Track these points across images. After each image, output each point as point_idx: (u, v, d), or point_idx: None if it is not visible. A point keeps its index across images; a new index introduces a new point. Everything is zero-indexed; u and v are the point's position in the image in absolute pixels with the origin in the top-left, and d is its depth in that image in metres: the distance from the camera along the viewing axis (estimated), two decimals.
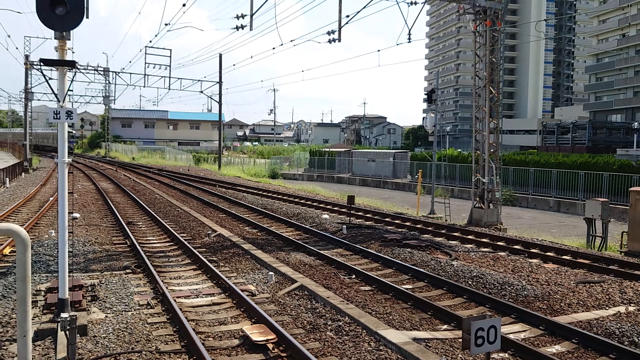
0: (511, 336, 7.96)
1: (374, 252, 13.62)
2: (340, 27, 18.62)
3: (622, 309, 9.53)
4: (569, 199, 28.46)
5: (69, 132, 7.82)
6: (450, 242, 15.93)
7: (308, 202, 24.46)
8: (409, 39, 18.59)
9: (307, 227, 17.46)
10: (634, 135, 52.63)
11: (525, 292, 10.34)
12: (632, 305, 9.78)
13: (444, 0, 19.50)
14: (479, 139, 19.73)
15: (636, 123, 59.29)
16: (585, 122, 67.47)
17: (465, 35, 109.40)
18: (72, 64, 7.77)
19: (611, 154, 30.60)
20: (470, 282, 11.12)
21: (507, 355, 7.45)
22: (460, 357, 7.30)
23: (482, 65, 19.35)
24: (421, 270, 11.84)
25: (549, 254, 14.14)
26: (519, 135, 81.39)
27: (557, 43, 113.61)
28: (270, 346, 7.46)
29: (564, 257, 13.80)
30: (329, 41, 19.28)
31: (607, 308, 9.62)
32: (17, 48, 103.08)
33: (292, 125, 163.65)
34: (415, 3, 18.53)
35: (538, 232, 19.40)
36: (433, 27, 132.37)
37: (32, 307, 8.35)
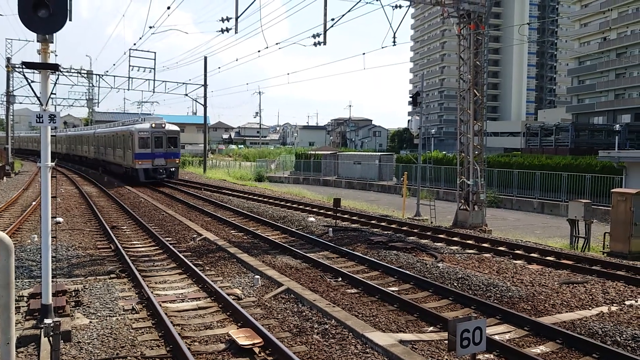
0: (496, 337, 8.02)
1: (360, 255, 13.64)
2: (325, 30, 18.66)
3: (604, 309, 9.65)
4: (552, 201, 28.77)
5: (52, 135, 7.73)
6: (435, 244, 16.01)
7: (294, 205, 24.43)
8: (394, 42, 18.69)
9: (293, 230, 17.43)
10: (616, 137, 53.29)
11: (510, 293, 10.43)
12: (614, 305, 9.91)
13: (428, 3, 19.63)
14: (464, 141, 19.88)
15: (618, 125, 60.18)
16: (568, 124, 68.25)
17: (449, 38, 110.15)
18: (55, 67, 7.70)
19: (593, 156, 30.92)
20: (455, 284, 11.19)
21: (492, 356, 7.50)
22: (446, 359, 7.34)
23: (466, 68, 19.51)
24: (407, 272, 11.88)
25: (533, 255, 14.28)
26: (503, 137, 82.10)
27: (540, 46, 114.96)
28: (256, 350, 7.43)
29: (548, 258, 13.94)
30: (315, 44, 19.32)
31: (590, 308, 9.74)
32: None
33: (277, 128, 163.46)
34: (400, 6, 18.63)
35: (522, 234, 19.58)
36: (418, 30, 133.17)
37: (15, 313, 8.24)
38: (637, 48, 71.50)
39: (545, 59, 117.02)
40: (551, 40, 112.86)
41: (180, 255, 13.07)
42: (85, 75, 44.44)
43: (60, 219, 18.62)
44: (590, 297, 10.36)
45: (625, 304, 9.92)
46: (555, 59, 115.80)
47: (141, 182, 33.21)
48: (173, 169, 34.79)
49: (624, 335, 8.13)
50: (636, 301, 10.11)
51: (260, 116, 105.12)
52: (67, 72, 40.89)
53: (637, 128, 67.55)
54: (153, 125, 33.90)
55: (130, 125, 35.31)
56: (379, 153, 50.40)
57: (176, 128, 35.56)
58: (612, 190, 17.56)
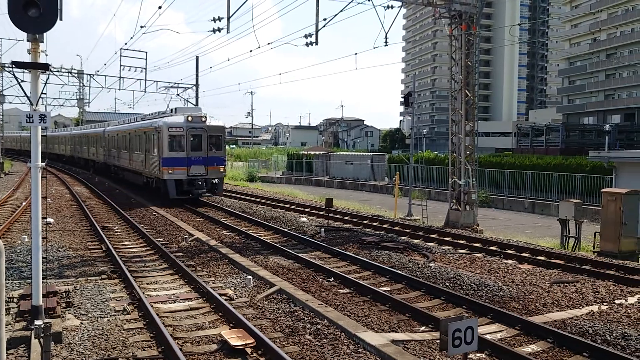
0: (488, 336, 8.06)
1: (352, 255, 13.66)
2: (317, 30, 18.65)
3: (595, 308, 9.72)
4: (543, 201, 28.93)
5: (42, 135, 7.69)
6: (427, 243, 16.05)
7: (286, 205, 24.42)
8: (386, 42, 18.71)
9: (285, 230, 17.42)
10: (606, 137, 53.70)
11: (501, 293, 10.47)
12: (604, 304, 9.98)
13: (419, 4, 19.68)
14: (455, 141, 19.94)
15: (607, 125, 60.56)
16: (558, 124, 68.70)
17: (441, 38, 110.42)
18: (45, 67, 7.65)
19: (584, 156, 31.11)
20: (447, 284, 11.22)
21: (484, 355, 7.53)
22: (438, 358, 7.36)
23: (458, 68, 19.58)
24: (399, 272, 11.91)
25: (524, 254, 14.35)
26: (495, 137, 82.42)
27: (531, 47, 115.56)
28: (248, 350, 7.42)
29: (539, 257, 14.02)
30: (307, 44, 19.28)
31: (580, 307, 9.80)
32: None
33: (269, 128, 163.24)
34: (392, 7, 18.66)
35: (513, 233, 19.68)
36: (409, 30, 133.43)
37: (5, 315, 8.18)
38: (626, 49, 72.07)
39: (536, 60, 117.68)
40: (542, 41, 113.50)
41: (171, 255, 13.03)
42: (76, 75, 44.17)
43: (51, 220, 18.50)
44: (581, 296, 10.44)
45: (615, 303, 9.99)
46: (546, 59, 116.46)
47: (171, 200, 23.51)
48: (216, 180, 24.35)
49: (614, 334, 8.19)
50: (626, 300, 10.19)
51: (252, 116, 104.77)
52: (58, 71, 40.64)
53: (627, 128, 68.14)
54: (189, 118, 23.86)
55: (156, 119, 25.68)
56: (371, 153, 50.46)
57: (220, 123, 25.34)
58: (602, 190, 17.69)
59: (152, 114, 29.45)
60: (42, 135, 7.51)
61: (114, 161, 34.66)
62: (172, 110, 26.13)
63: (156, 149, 24.00)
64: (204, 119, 24.22)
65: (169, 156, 23.26)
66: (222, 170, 24.71)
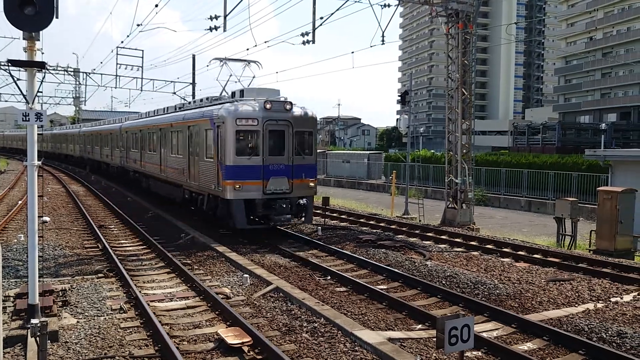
0: (484, 334, 8.08)
1: (349, 253, 13.67)
2: (314, 29, 18.66)
3: (590, 306, 9.75)
4: (539, 199, 28.99)
5: (38, 133, 7.68)
6: (424, 242, 16.08)
7: None
8: (383, 41, 18.74)
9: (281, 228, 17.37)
10: (602, 135, 53.85)
11: (497, 291, 10.50)
12: (600, 302, 10.02)
13: (416, 2, 19.70)
14: (452, 140, 19.98)
15: (604, 124, 60.72)
16: (554, 123, 68.80)
17: (438, 37, 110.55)
18: (41, 65, 7.63)
19: (580, 155, 31.17)
20: (444, 282, 11.25)
21: (480, 353, 7.55)
22: (435, 356, 7.38)
23: (454, 67, 19.61)
24: (396, 270, 11.93)
25: (520, 253, 14.40)
26: (491, 136, 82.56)
27: (527, 46, 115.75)
28: (245, 349, 7.43)
29: (535, 256, 14.06)
30: (303, 42, 19.30)
31: (576, 305, 9.84)
32: None
33: None
34: (389, 5, 18.67)
35: (510, 232, 19.73)
36: (406, 29, 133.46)
37: (1, 314, 8.17)
38: (622, 48, 72.23)
39: (533, 58, 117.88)
40: (538, 40, 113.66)
41: (168, 254, 13.01)
42: (72, 73, 44.05)
43: (47, 218, 18.45)
44: (577, 294, 10.47)
45: (610, 301, 10.03)
46: (542, 58, 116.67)
47: (236, 230, 15.88)
48: (304, 200, 16.11)
49: (610, 332, 8.22)
50: (621, 298, 10.23)
51: None
52: (54, 70, 40.52)
53: (623, 127, 68.33)
54: (267, 105, 15.46)
55: (211, 107, 17.23)
56: (368, 152, 50.49)
57: (309, 112, 16.49)
58: (598, 188, 17.74)
59: (193, 101, 22.10)
60: (38, 134, 7.48)
61: (134, 165, 26.94)
62: (231, 94, 17.49)
63: (212, 151, 16.07)
64: (288, 107, 15.80)
65: (235, 163, 15.12)
66: (312, 185, 16.16)
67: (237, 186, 15.09)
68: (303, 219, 16.48)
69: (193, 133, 17.98)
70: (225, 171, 15.24)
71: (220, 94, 19.21)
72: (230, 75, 19.96)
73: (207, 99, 19.39)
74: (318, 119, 17.73)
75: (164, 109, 24.59)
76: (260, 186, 15.28)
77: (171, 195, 21.06)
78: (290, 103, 15.91)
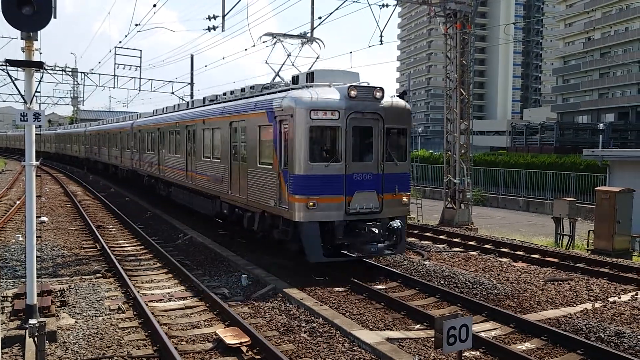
0: (482, 334, 8.09)
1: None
2: (312, 29, 18.67)
3: (588, 305, 9.77)
4: (537, 199, 29.03)
5: (37, 134, 7.66)
6: (422, 242, 16.09)
7: None
8: (381, 41, 18.76)
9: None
10: (600, 136, 53.89)
11: (495, 291, 10.51)
12: (598, 302, 10.03)
13: (414, 2, 19.72)
14: (450, 140, 19.99)
15: (601, 124, 60.78)
16: (552, 123, 68.88)
17: (436, 37, 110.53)
18: (39, 65, 7.62)
19: (578, 155, 31.24)
20: (442, 282, 11.25)
21: (478, 353, 7.56)
22: (433, 356, 7.38)
23: (452, 67, 19.62)
24: (394, 270, 11.93)
25: (518, 252, 14.41)
26: (489, 136, 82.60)
27: (526, 46, 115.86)
28: (244, 349, 7.42)
29: (533, 255, 14.07)
30: (302, 43, 19.27)
31: (574, 305, 9.85)
32: None
33: None
34: (387, 5, 18.68)
35: (508, 232, 19.75)
36: (405, 29, 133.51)
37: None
38: (620, 48, 72.35)
39: (531, 59, 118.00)
40: (536, 40, 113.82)
41: (166, 254, 12.99)
42: (70, 73, 43.98)
43: (45, 219, 18.44)
44: (575, 294, 10.48)
45: (608, 301, 10.05)
46: (540, 58, 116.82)
47: (310, 263, 11.68)
48: (398, 222, 11.71)
49: (608, 332, 8.23)
50: (619, 298, 10.24)
51: None
52: (52, 69, 40.46)
53: (621, 127, 68.42)
54: (352, 92, 11.27)
55: (273, 95, 12.64)
56: None
57: (403, 103, 12.37)
58: (596, 188, 17.78)
59: (230, 92, 16.60)
60: (37, 135, 7.48)
61: (149, 170, 23.40)
62: (292, 80, 13.08)
63: (270, 155, 12.16)
64: (379, 95, 11.70)
65: (308, 172, 11.13)
66: (405, 200, 12.17)
67: (311, 203, 10.99)
68: (394, 249, 11.89)
69: (239, 130, 13.97)
70: (293, 182, 11.13)
71: (273, 80, 14.80)
72: (289, 55, 15.51)
73: (251, 87, 15.04)
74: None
75: (187, 103, 21.67)
76: (342, 203, 11.26)
77: (201, 208, 17.44)
78: (382, 89, 11.77)
